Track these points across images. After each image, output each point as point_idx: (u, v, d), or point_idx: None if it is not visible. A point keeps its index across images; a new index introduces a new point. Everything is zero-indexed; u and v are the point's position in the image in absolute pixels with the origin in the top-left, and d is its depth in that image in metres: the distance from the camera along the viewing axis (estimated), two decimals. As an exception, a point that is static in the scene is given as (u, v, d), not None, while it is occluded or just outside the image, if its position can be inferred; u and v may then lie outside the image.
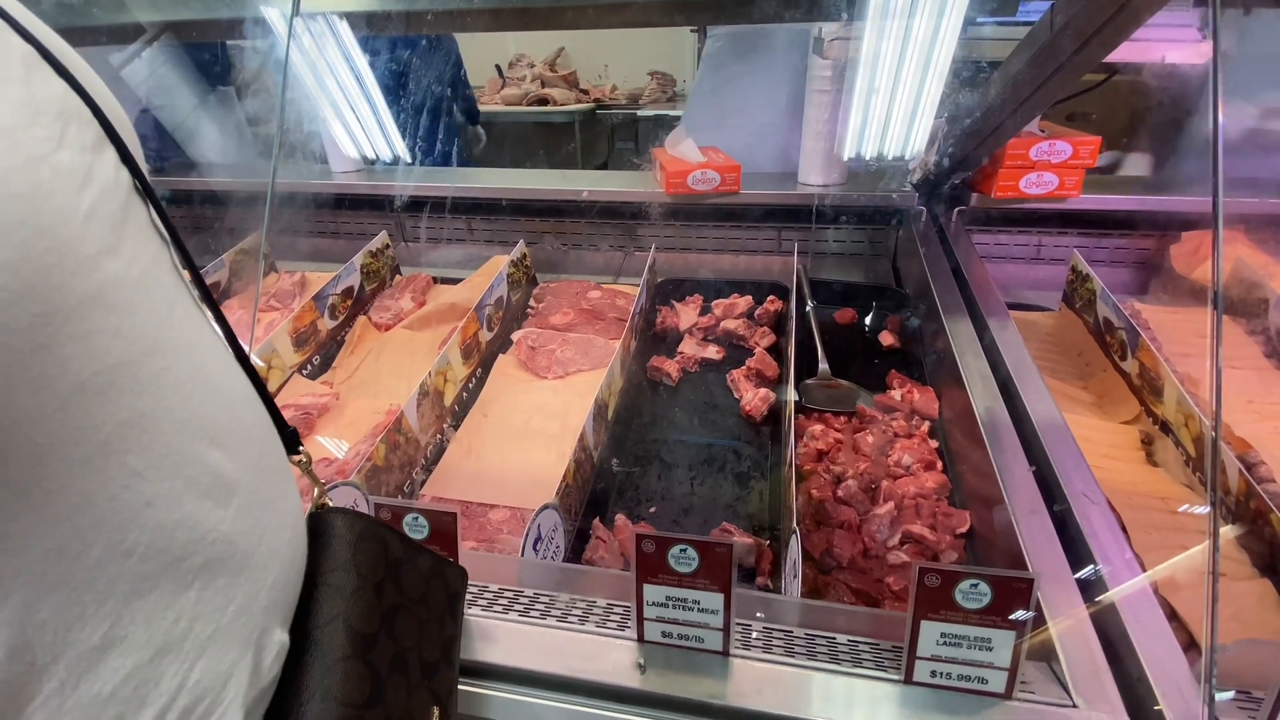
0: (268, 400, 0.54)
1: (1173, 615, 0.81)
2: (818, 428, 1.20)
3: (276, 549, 0.49)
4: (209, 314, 0.50)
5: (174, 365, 0.39)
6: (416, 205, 1.85)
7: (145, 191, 0.42)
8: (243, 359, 0.52)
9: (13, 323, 0.30)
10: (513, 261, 1.64)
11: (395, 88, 1.79)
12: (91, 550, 0.35)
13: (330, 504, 0.59)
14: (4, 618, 0.32)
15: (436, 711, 0.59)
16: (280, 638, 0.49)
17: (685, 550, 0.70)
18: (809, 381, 1.32)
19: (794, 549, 0.86)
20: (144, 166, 0.43)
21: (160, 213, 0.43)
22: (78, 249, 0.34)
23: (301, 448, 0.58)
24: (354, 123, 1.69)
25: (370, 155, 1.80)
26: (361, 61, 1.52)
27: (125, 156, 0.40)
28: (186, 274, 0.47)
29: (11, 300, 0.30)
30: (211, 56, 2.15)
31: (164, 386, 0.38)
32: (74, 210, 0.34)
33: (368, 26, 1.26)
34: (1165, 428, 1.10)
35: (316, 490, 0.60)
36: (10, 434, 0.31)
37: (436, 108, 2.15)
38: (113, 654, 0.36)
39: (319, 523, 0.56)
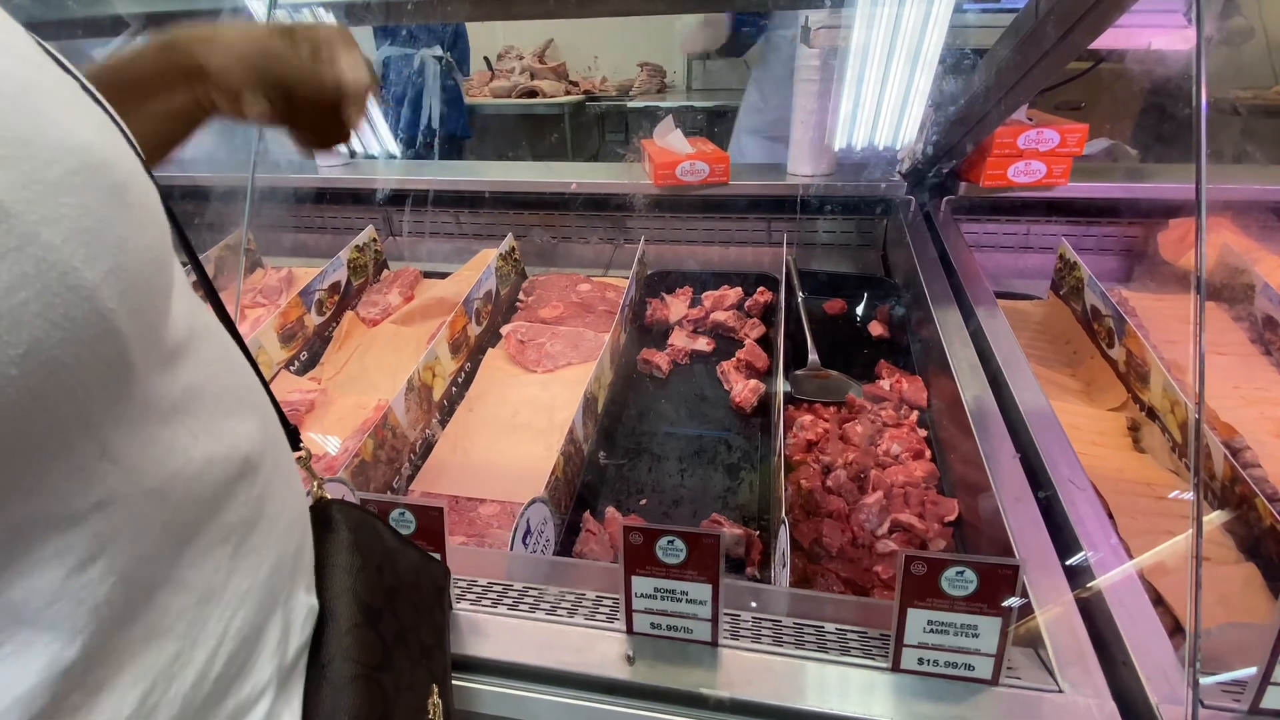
0: (269, 392, 0.57)
1: (1159, 600, 0.81)
2: (807, 418, 1.20)
3: (296, 519, 0.53)
4: (212, 310, 0.54)
5: (203, 346, 0.44)
6: (403, 199, 1.83)
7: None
8: (246, 354, 0.54)
9: (158, 288, 0.37)
10: (501, 255, 1.63)
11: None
12: (174, 495, 0.39)
13: (328, 496, 0.63)
14: (120, 545, 0.36)
15: (435, 689, 0.62)
16: (309, 601, 0.53)
17: (673, 542, 0.70)
18: (798, 372, 1.32)
19: (783, 539, 0.87)
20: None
21: (173, 219, 0.47)
22: (165, 240, 0.40)
23: (301, 444, 0.61)
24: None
25: (357, 148, 1.78)
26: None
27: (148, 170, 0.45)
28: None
29: (158, 270, 0.37)
30: None
31: (201, 362, 0.43)
32: (158, 207, 0.40)
33: (347, 17, 1.24)
34: (1152, 414, 1.11)
35: (316, 484, 0.64)
36: (142, 381, 0.36)
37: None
38: (170, 592, 0.40)
39: (320, 512, 0.60)
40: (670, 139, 1.65)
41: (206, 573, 0.43)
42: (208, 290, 0.55)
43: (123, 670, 0.38)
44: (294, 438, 0.59)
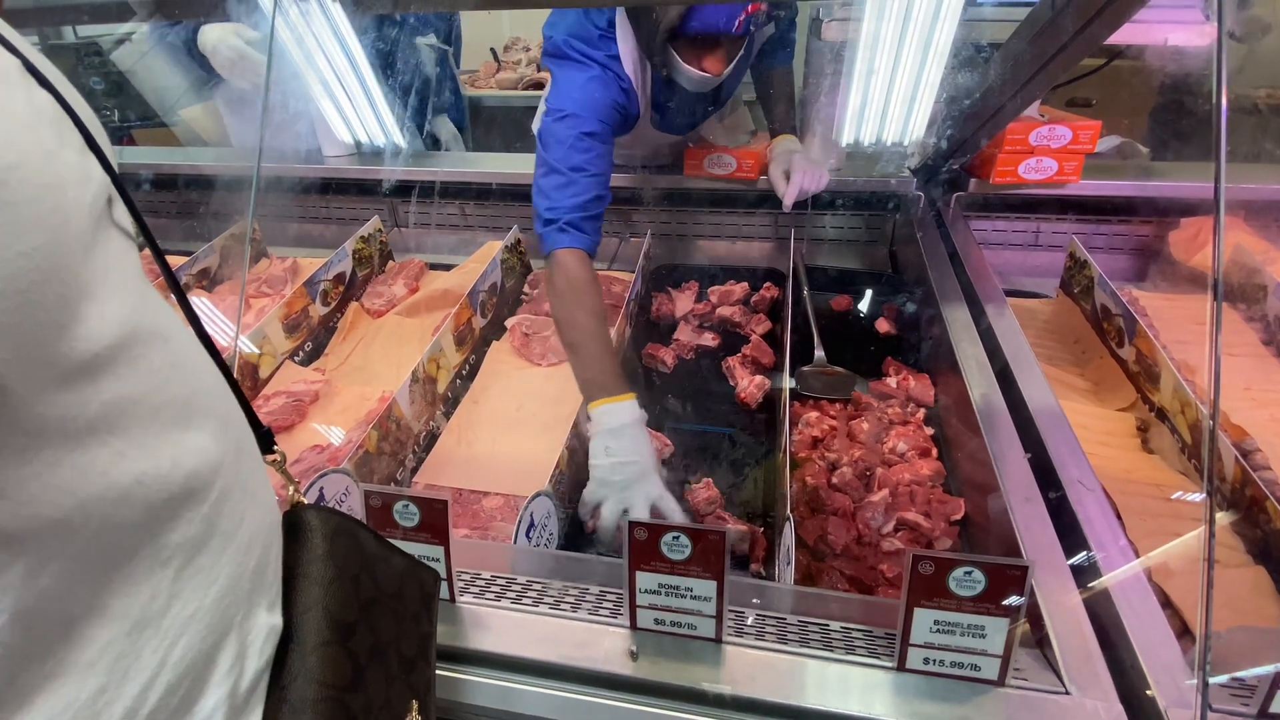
0: (239, 394, 0.54)
1: (1166, 602, 0.81)
2: (813, 415, 1.19)
3: (258, 533, 0.50)
4: (179, 309, 0.50)
5: (148, 353, 0.41)
6: (409, 190, 1.82)
7: (120, 192, 0.44)
8: (214, 354, 0.51)
9: (43, 301, 0.33)
10: (506, 247, 1.63)
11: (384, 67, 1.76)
12: (91, 523, 0.37)
13: (305, 501, 0.60)
14: (11, 580, 0.34)
15: (415, 705, 0.59)
16: (269, 621, 0.50)
17: (678, 538, 0.69)
18: (805, 369, 1.31)
19: (788, 536, 0.86)
20: (116, 169, 0.44)
21: (134, 211, 0.45)
22: (82, 239, 0.37)
23: (276, 447, 0.58)
24: (346, 105, 1.66)
25: (363, 139, 1.77)
26: (353, 41, 1.48)
27: (104, 162, 0.42)
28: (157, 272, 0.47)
29: (43, 280, 0.33)
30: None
31: (139, 372, 0.40)
32: (81, 203, 0.37)
33: (354, 4, 1.23)
34: (1161, 415, 1.10)
35: (291, 488, 0.61)
36: (26, 405, 0.33)
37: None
38: (92, 623, 0.38)
39: (294, 518, 0.56)
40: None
41: (140, 600, 0.40)
42: (174, 289, 0.51)
43: (30, 710, 0.35)
44: (266, 441, 0.56)
